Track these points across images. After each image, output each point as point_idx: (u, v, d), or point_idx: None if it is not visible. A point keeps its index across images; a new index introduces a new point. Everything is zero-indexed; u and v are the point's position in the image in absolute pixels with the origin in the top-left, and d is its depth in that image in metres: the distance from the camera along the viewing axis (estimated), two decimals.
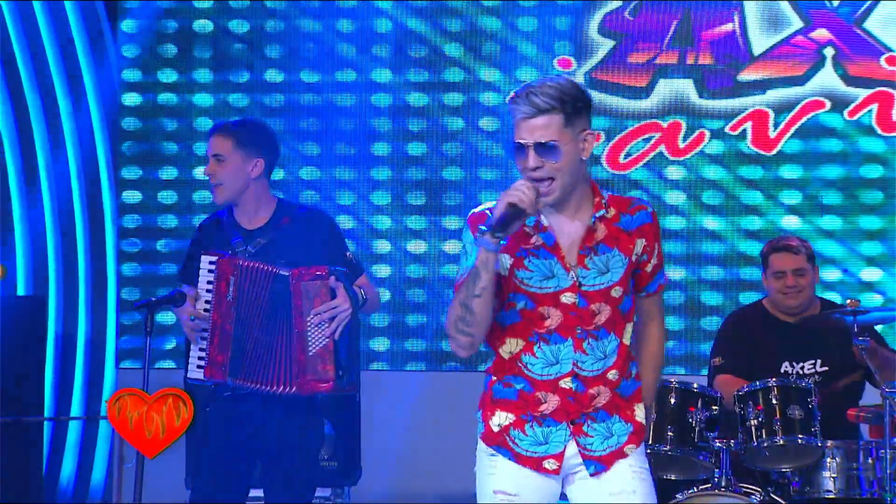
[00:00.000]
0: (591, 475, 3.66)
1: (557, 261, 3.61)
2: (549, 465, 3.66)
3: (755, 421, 5.63)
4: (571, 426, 3.65)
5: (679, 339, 7.44)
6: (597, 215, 3.62)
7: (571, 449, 3.66)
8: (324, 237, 4.95)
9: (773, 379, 5.71)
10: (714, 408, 5.70)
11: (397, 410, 7.38)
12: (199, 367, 4.82)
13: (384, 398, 7.31)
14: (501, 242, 3.53)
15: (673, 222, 7.48)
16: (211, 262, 4.82)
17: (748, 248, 7.40)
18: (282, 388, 4.76)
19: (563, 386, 3.64)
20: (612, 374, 3.65)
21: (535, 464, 3.66)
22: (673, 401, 5.72)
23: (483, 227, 3.52)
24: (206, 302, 4.82)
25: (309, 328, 4.73)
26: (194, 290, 4.84)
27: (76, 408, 7.79)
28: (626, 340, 3.69)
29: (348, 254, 4.98)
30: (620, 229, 3.65)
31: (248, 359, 4.78)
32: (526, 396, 3.66)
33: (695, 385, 5.77)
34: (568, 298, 3.62)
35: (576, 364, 3.63)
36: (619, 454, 3.66)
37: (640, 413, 3.71)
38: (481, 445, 3.74)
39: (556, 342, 3.64)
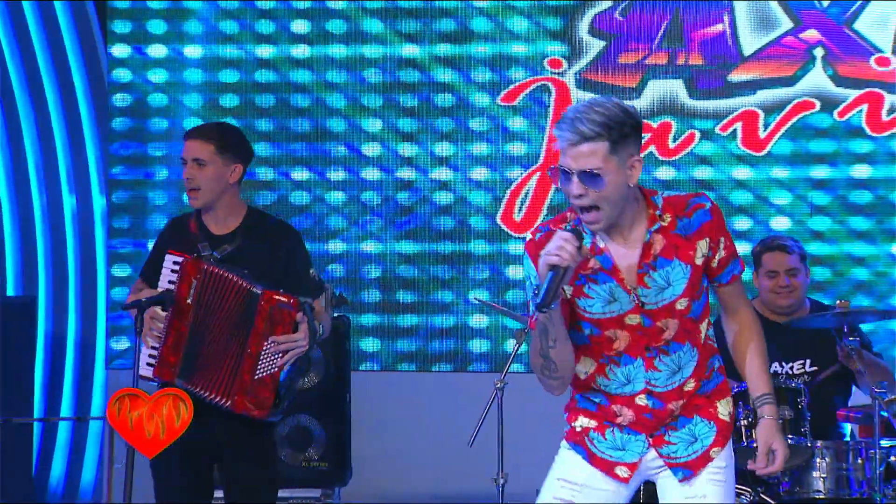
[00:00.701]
0: (680, 481, 3.63)
1: (617, 283, 3.55)
2: (621, 471, 3.66)
3: (745, 421, 5.62)
4: (651, 439, 3.64)
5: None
6: (652, 229, 3.55)
7: (651, 455, 3.65)
8: (290, 251, 4.96)
9: None
10: None
11: (388, 411, 7.38)
12: (149, 364, 4.84)
13: (374, 399, 7.31)
14: (554, 307, 3.46)
15: None
16: (175, 263, 4.83)
17: (739, 249, 7.35)
18: (218, 398, 4.78)
19: (639, 403, 3.63)
20: (689, 385, 3.61)
21: (608, 467, 3.66)
22: None
23: (533, 308, 3.48)
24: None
25: (263, 353, 4.74)
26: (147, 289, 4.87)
27: (66, 409, 7.79)
28: (704, 340, 3.63)
29: (312, 272, 4.99)
30: (679, 236, 3.56)
31: (198, 364, 4.78)
32: (604, 409, 3.65)
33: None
34: (633, 320, 3.57)
35: (648, 382, 3.60)
36: (706, 458, 3.63)
37: (723, 409, 3.65)
38: (563, 443, 3.74)
39: (627, 363, 3.60)
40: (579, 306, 3.58)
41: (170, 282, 4.83)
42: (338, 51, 7.71)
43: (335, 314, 6.83)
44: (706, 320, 3.64)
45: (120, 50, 7.82)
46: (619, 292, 3.55)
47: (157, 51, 7.81)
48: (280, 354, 4.74)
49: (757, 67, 7.42)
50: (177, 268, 4.82)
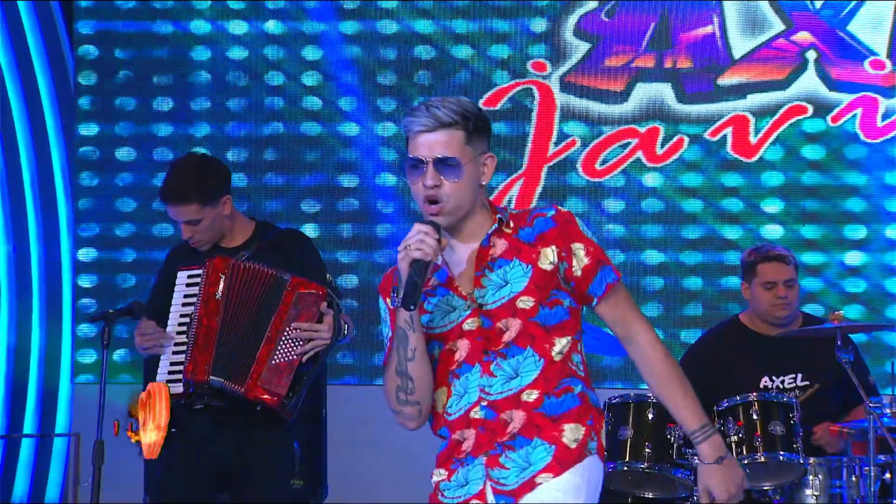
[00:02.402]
0: None
1: (452, 292, 3.44)
2: None
3: (735, 437, 5.63)
4: (485, 458, 3.42)
5: None
6: (490, 231, 3.45)
7: (488, 486, 3.42)
8: (304, 258, 4.98)
9: (754, 393, 5.72)
10: None
11: (365, 426, 7.37)
12: (172, 379, 4.83)
13: (351, 413, 7.30)
14: (413, 308, 3.33)
15: (651, 230, 7.52)
16: (191, 276, 4.84)
17: (729, 258, 7.42)
18: (232, 384, 4.77)
19: (474, 417, 3.42)
20: (528, 395, 3.40)
21: None
22: (650, 416, 5.73)
23: (393, 303, 3.39)
24: (182, 316, 4.84)
25: (283, 337, 4.74)
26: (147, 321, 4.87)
27: (29, 425, 7.77)
28: (557, 356, 3.42)
29: (329, 277, 5.00)
30: (521, 241, 3.44)
31: (230, 359, 4.79)
32: (451, 443, 3.46)
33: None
34: (471, 324, 3.42)
35: (483, 389, 3.41)
36: (530, 485, 3.38)
37: (570, 434, 3.42)
38: None
39: (465, 372, 3.43)
40: (422, 323, 3.43)
41: (185, 296, 4.84)
42: (312, 61, 7.74)
43: None
44: (568, 338, 3.44)
45: (87, 51, 7.84)
46: (454, 300, 3.43)
47: (126, 53, 7.83)
48: (300, 342, 4.74)
49: (747, 70, 7.45)
50: (193, 280, 4.82)
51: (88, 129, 7.83)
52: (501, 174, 7.58)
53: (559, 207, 3.50)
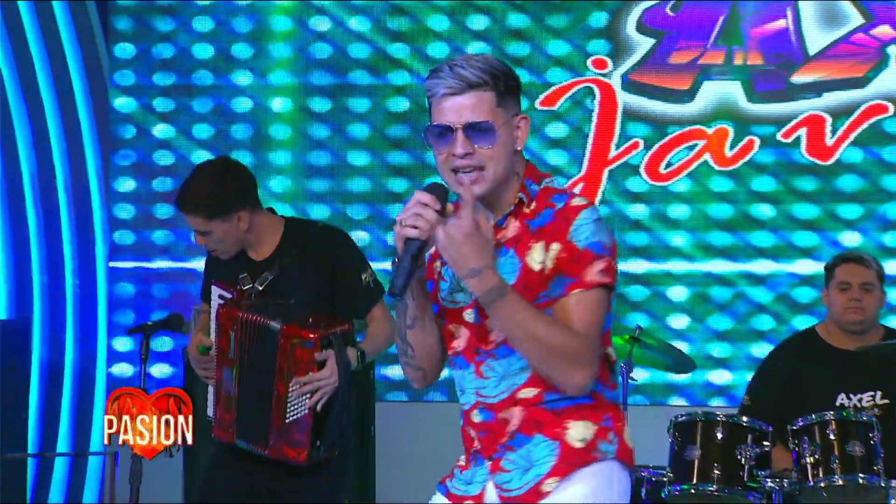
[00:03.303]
0: None
1: None
2: None
3: (811, 458, 5.58)
4: (489, 463, 3.32)
5: (725, 366, 7.43)
6: (507, 212, 3.30)
7: (490, 492, 3.32)
8: (336, 261, 4.94)
9: (831, 412, 5.67)
10: (765, 443, 5.66)
11: (416, 445, 7.37)
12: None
13: (401, 431, 7.30)
14: (403, 296, 3.23)
15: (718, 238, 7.48)
16: (221, 296, 4.86)
17: (802, 268, 7.38)
18: (256, 447, 4.79)
19: (475, 420, 3.33)
20: (526, 393, 3.27)
21: (457, 501, 3.38)
22: (720, 436, 5.67)
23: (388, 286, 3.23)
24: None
25: (290, 395, 4.74)
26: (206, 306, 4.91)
27: (63, 443, 7.81)
28: None
29: (365, 276, 4.95)
30: (528, 229, 3.29)
31: (249, 422, 4.81)
32: (464, 432, 3.40)
33: (744, 418, 5.74)
34: (469, 316, 3.32)
35: (478, 393, 3.31)
36: (537, 493, 3.24)
37: (575, 432, 3.25)
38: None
39: (461, 367, 3.34)
40: (440, 289, 3.35)
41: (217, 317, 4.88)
42: (363, 57, 7.76)
43: (360, 339, 6.83)
44: None
45: (124, 50, 7.88)
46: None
47: (163, 50, 7.86)
48: (307, 396, 4.75)
49: (823, 67, 7.40)
50: (222, 301, 4.85)
51: (125, 132, 7.87)
52: (560, 177, 7.52)
53: (574, 199, 3.28)
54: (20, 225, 7.91)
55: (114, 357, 7.78)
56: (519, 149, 3.31)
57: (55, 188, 7.92)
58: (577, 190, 7.51)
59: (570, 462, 3.24)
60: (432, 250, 3.32)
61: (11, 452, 7.22)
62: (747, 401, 6.02)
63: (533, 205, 3.30)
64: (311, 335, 4.72)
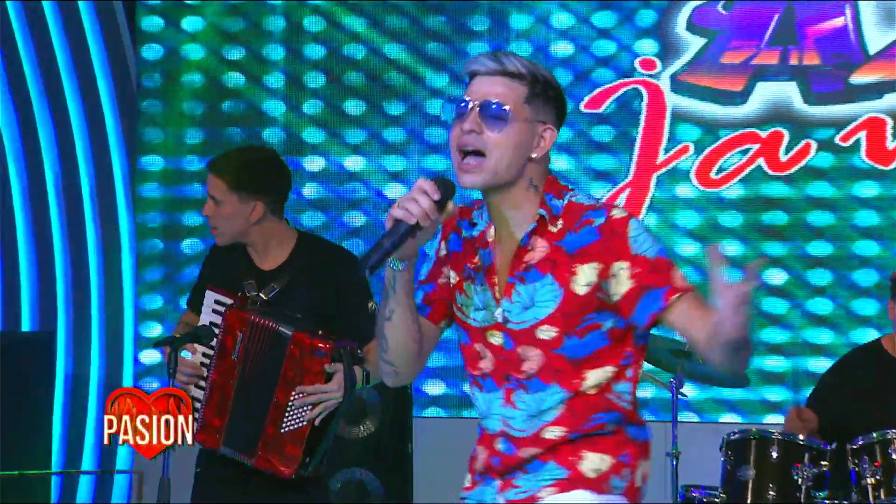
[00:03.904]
0: None
1: (488, 288, 3.29)
2: None
3: (872, 479, 5.59)
4: (500, 481, 3.32)
5: (780, 382, 7.38)
6: (529, 229, 3.25)
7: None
8: (344, 283, 4.93)
9: (894, 430, 5.65)
10: (823, 463, 5.67)
11: (455, 463, 7.33)
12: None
13: (439, 448, 7.28)
14: (398, 267, 3.21)
15: (774, 247, 7.42)
16: (217, 302, 4.83)
17: (862, 278, 7.34)
18: (241, 455, 4.77)
19: (495, 447, 3.31)
20: (549, 433, 3.28)
21: None
22: (775, 455, 5.72)
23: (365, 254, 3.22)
24: (207, 346, 4.84)
25: (290, 404, 4.73)
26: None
27: (88, 461, 7.83)
28: (591, 389, 3.26)
29: (372, 304, 4.96)
30: (562, 251, 3.24)
31: (240, 428, 4.79)
32: (474, 452, 3.40)
33: (801, 437, 5.73)
34: (495, 338, 3.30)
35: (505, 422, 3.29)
36: (531, 499, 3.28)
37: (590, 463, 3.26)
38: None
39: (489, 389, 3.31)
40: (457, 302, 3.34)
41: (212, 323, 4.84)
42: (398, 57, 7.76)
43: None
44: (609, 368, 3.27)
45: (151, 51, 7.89)
46: (488, 298, 3.29)
47: (191, 52, 7.87)
48: (309, 407, 4.74)
49: (884, 67, 7.35)
50: (220, 308, 4.83)
51: (153, 135, 7.88)
52: (606, 183, 7.52)
53: (613, 211, 3.24)
54: (44, 234, 7.94)
55: (141, 371, 7.79)
56: (535, 157, 3.26)
57: (81, 196, 7.94)
58: (623, 197, 7.51)
59: (576, 483, 3.27)
60: (434, 248, 3.35)
61: (34, 470, 7.25)
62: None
63: (559, 223, 3.26)
64: (323, 345, 4.72)
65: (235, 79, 7.86)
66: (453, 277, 3.35)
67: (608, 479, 3.26)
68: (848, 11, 7.39)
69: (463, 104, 3.25)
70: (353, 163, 7.78)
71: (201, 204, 7.75)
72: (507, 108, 3.22)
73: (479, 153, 3.22)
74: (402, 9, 7.77)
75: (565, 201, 3.27)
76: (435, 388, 7.60)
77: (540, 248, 3.25)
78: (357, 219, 7.75)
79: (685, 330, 3.21)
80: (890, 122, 7.35)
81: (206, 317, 4.85)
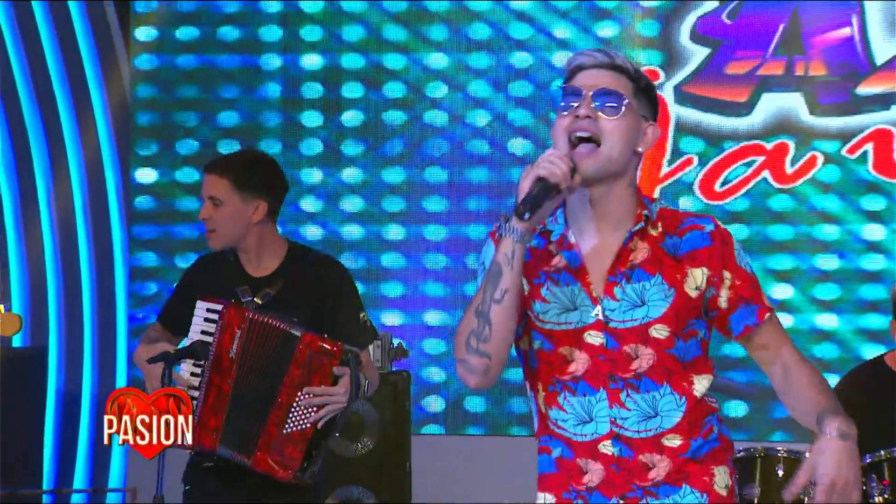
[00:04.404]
0: None
1: (582, 288, 3.31)
2: None
3: (880, 498, 5.55)
4: (621, 501, 3.31)
5: None
6: (634, 230, 3.32)
7: None
8: (338, 293, 4.96)
9: None
10: None
11: (454, 482, 7.37)
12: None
13: (439, 467, 7.30)
14: (518, 237, 3.22)
15: (779, 261, 7.45)
16: (210, 310, 4.83)
17: (869, 293, 7.35)
18: (240, 455, 4.78)
19: (604, 451, 3.31)
20: (671, 440, 3.31)
21: None
22: (781, 473, 5.67)
23: (507, 214, 3.23)
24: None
25: (295, 404, 4.76)
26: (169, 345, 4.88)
27: (80, 478, 7.83)
28: (699, 392, 3.33)
29: (363, 316, 4.99)
30: (666, 253, 3.33)
31: (239, 428, 4.82)
32: (567, 465, 3.33)
33: (807, 454, 5.71)
34: (594, 338, 3.31)
35: (614, 422, 3.30)
36: None
37: (720, 479, 3.33)
38: None
39: (586, 393, 3.31)
40: (533, 310, 3.33)
41: (203, 332, 4.85)
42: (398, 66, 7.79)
43: (393, 369, 6.85)
44: (708, 378, 3.37)
45: (145, 61, 7.93)
46: (581, 299, 3.31)
47: (187, 62, 7.91)
48: (314, 409, 4.77)
49: (891, 78, 7.37)
50: (214, 316, 4.85)
51: (146, 148, 7.92)
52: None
53: (718, 223, 3.37)
54: (36, 248, 7.94)
55: (135, 387, 7.79)
56: (641, 151, 3.36)
57: (73, 209, 7.95)
58: None
59: None
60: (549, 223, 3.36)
61: (25, 488, 7.25)
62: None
63: (659, 226, 3.34)
64: (333, 347, 4.75)
65: (230, 89, 7.89)
66: (525, 286, 3.34)
67: (733, 490, 3.37)
68: (854, 21, 7.40)
69: (573, 93, 3.31)
70: (350, 175, 7.81)
71: (195, 217, 7.85)
72: (623, 94, 3.30)
73: (591, 140, 3.29)
74: (402, 18, 7.80)
75: (657, 206, 3.36)
76: (434, 404, 7.61)
77: (642, 248, 3.33)
78: (355, 230, 7.78)
79: (762, 352, 3.39)
80: None
81: (199, 327, 4.85)
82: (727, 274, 3.33)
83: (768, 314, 3.36)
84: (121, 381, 7.86)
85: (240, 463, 4.79)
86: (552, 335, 3.34)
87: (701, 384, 3.34)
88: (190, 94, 7.91)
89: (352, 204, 7.78)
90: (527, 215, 3.18)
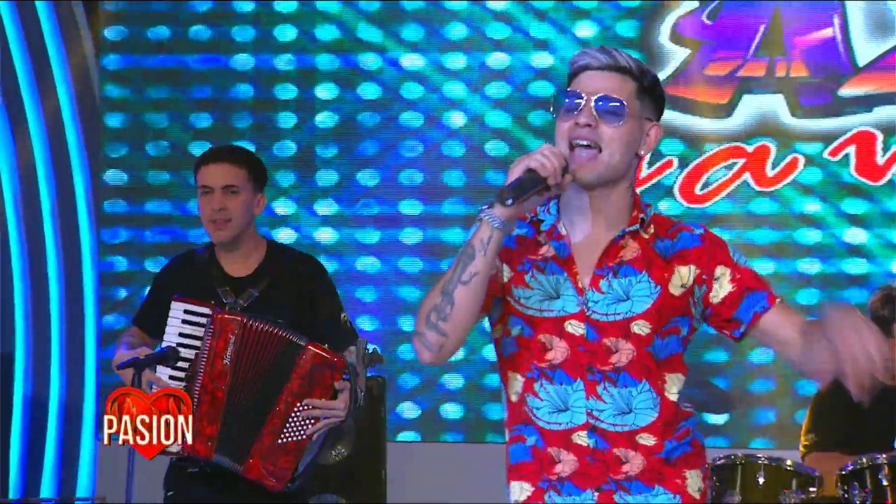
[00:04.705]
0: None
1: (568, 278, 3.38)
2: None
3: (859, 502, 5.57)
4: (597, 494, 3.37)
5: (768, 405, 7.41)
6: (629, 229, 3.38)
7: None
8: (318, 292, 4.98)
9: (884, 455, 5.64)
10: (812, 490, 5.64)
11: (430, 489, 7.36)
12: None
13: (414, 474, 7.29)
14: (498, 225, 3.25)
15: (760, 265, 7.43)
16: (189, 311, 4.81)
17: (852, 297, 7.33)
18: (233, 462, 4.78)
19: (578, 442, 3.37)
20: (645, 438, 3.38)
21: None
22: (761, 480, 5.69)
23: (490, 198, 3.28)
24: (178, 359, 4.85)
25: (293, 415, 4.76)
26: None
27: (47, 487, 7.79)
28: (672, 396, 3.39)
29: (344, 316, 5.00)
30: (657, 253, 3.40)
31: (233, 434, 4.81)
32: (539, 455, 3.38)
33: (788, 462, 5.72)
34: (575, 328, 3.37)
35: (590, 413, 3.36)
36: None
37: (693, 483, 3.41)
38: None
39: (562, 381, 3.37)
40: (514, 296, 3.39)
41: (181, 334, 4.84)
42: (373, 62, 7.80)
43: (368, 374, 6.84)
44: (681, 377, 3.43)
45: (114, 60, 7.91)
46: (566, 288, 3.37)
47: (158, 60, 7.90)
48: (311, 421, 4.76)
49: (874, 80, 7.40)
50: (194, 318, 4.84)
51: (115, 151, 7.89)
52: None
53: (709, 230, 3.45)
54: (3, 251, 7.90)
55: (105, 393, 7.77)
56: (642, 154, 3.42)
57: (41, 212, 7.92)
58: None
59: None
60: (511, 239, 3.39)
61: None
62: (812, 438, 5.99)
63: (651, 228, 3.41)
64: (334, 358, 4.75)
65: (203, 90, 7.88)
66: (507, 272, 3.41)
67: (706, 494, 3.43)
68: (836, 21, 7.41)
69: (573, 98, 3.34)
70: (326, 178, 7.81)
71: (166, 220, 7.83)
72: (624, 102, 3.34)
73: (591, 147, 3.33)
74: (377, 18, 7.79)
75: (651, 212, 3.43)
76: (410, 411, 7.60)
77: (632, 247, 3.39)
78: (328, 234, 7.77)
79: (780, 329, 3.41)
80: (880, 136, 7.38)
81: (176, 329, 4.84)
82: (723, 270, 3.40)
83: (778, 300, 3.43)
84: (89, 387, 7.82)
85: (232, 469, 4.79)
86: (532, 321, 3.39)
87: (673, 384, 3.40)
88: (161, 95, 7.88)
89: (325, 207, 7.76)
90: (509, 201, 3.21)
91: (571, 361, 3.37)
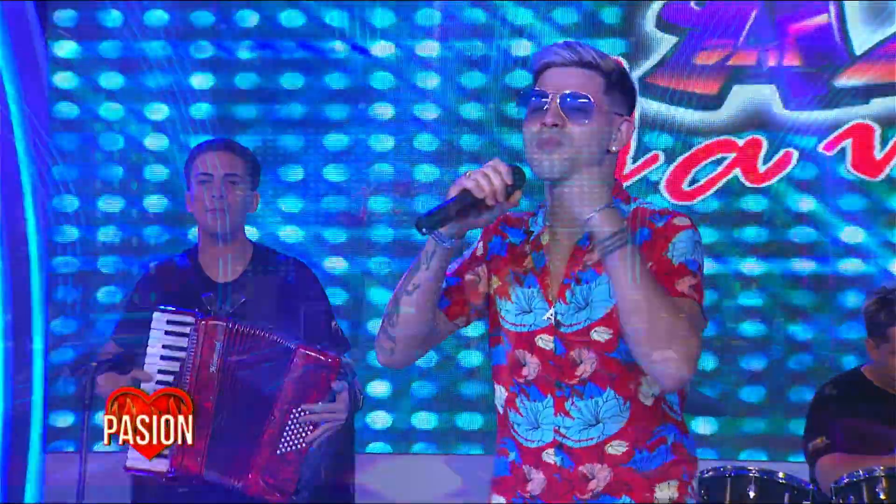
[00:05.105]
0: None
1: (540, 290, 3.47)
2: None
3: None
4: None
5: (758, 413, 7.39)
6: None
7: None
8: (309, 297, 4.97)
9: (881, 467, 5.69)
10: (804, 503, 5.66)
11: (398, 500, 7.33)
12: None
13: (385, 487, 7.28)
14: (444, 242, 3.33)
15: (751, 265, 7.42)
16: (173, 322, 4.81)
17: (847, 300, 7.37)
18: (232, 480, 4.78)
19: (546, 460, 3.48)
20: (613, 447, 3.46)
21: None
22: (752, 494, 5.74)
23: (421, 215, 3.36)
24: (161, 373, 4.81)
25: (290, 422, 4.73)
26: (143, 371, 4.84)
27: None
28: (647, 399, 3.45)
29: (334, 324, 5.01)
30: None
31: (226, 448, 4.76)
32: (516, 470, 3.53)
33: (780, 474, 5.80)
34: (544, 342, 3.46)
35: (558, 431, 3.46)
36: None
37: (662, 494, 3.48)
38: None
39: (536, 398, 3.48)
40: (498, 307, 3.51)
41: (165, 346, 4.81)
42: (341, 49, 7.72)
43: None
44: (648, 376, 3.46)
45: (65, 50, 7.82)
46: (537, 301, 3.46)
47: (110, 51, 7.81)
48: (310, 427, 4.74)
49: (871, 70, 7.40)
50: (178, 328, 4.80)
51: (67, 141, 7.79)
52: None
53: (676, 219, 3.44)
54: None
55: (53, 403, 7.71)
56: (613, 150, 3.44)
57: None
58: None
59: None
60: (472, 247, 3.46)
61: None
62: (822, 441, 5.98)
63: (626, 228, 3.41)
64: (329, 359, 4.72)
65: (156, 79, 7.78)
66: (495, 282, 3.53)
67: (682, 502, 3.51)
68: (832, 8, 7.44)
69: (539, 96, 3.38)
70: (293, 173, 7.74)
71: (119, 219, 7.79)
72: (590, 99, 3.38)
73: (558, 143, 3.37)
74: (344, 3, 7.74)
75: (632, 207, 3.49)
76: (380, 420, 7.56)
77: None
78: (293, 233, 7.70)
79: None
80: (878, 129, 7.40)
81: (158, 342, 4.84)
82: (648, 264, 3.37)
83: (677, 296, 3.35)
84: (37, 393, 7.78)
85: (230, 487, 4.74)
86: (510, 335, 3.50)
87: (651, 388, 3.44)
88: (115, 85, 7.79)
89: (290, 204, 7.68)
90: (423, 230, 3.28)
91: (542, 378, 3.46)
